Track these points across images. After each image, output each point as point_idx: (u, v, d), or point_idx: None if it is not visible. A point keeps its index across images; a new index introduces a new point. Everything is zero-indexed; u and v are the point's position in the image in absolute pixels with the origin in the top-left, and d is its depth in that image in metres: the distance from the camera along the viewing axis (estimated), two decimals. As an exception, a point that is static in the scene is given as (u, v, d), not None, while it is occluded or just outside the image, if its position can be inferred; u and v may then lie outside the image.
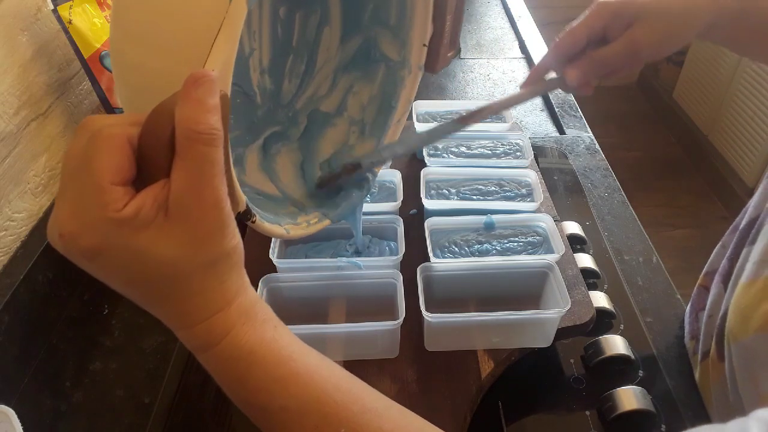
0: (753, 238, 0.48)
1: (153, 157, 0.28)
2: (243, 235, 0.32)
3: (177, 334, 0.32)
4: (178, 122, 0.27)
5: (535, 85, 0.53)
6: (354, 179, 0.52)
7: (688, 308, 0.63)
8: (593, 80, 0.51)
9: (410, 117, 0.79)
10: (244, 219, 0.38)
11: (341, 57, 0.57)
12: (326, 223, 0.50)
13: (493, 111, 0.50)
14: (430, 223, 0.62)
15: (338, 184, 0.52)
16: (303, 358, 0.33)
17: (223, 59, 0.30)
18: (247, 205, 0.38)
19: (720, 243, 0.59)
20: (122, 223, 0.27)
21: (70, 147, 0.28)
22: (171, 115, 0.27)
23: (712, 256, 0.59)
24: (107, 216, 0.26)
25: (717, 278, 0.55)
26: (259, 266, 0.56)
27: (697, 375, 0.58)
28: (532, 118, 0.99)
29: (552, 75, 0.53)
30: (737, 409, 0.48)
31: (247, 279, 0.33)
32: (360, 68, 0.58)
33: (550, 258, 0.58)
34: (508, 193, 0.67)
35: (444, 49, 0.53)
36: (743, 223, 0.53)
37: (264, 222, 0.41)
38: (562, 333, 0.55)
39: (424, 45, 0.54)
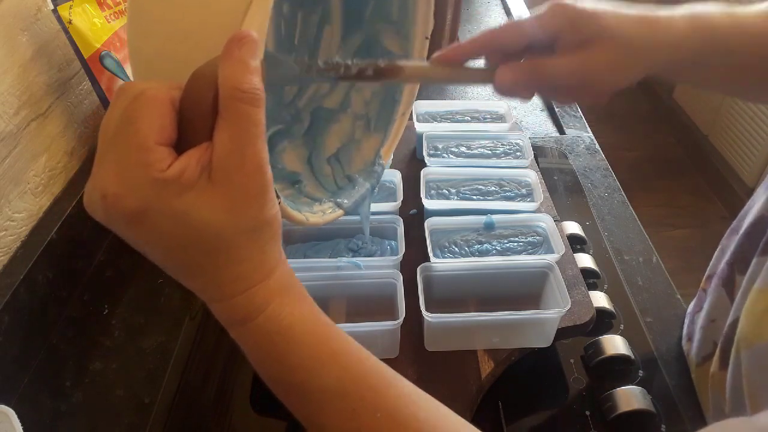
0: (765, 248, 0.47)
1: (195, 120, 0.28)
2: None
3: (213, 307, 0.31)
4: (222, 81, 0.27)
5: (457, 69, 0.43)
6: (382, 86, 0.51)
7: (688, 309, 0.63)
8: (527, 91, 0.43)
9: (410, 117, 0.79)
10: None
11: (343, 54, 0.57)
12: (340, 213, 0.51)
13: (406, 75, 0.40)
14: (430, 223, 0.62)
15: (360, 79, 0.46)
16: (340, 339, 0.32)
17: (257, 25, 0.30)
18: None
19: (719, 246, 0.58)
20: (167, 183, 0.26)
21: (109, 111, 0.28)
22: (212, 78, 0.27)
23: (713, 259, 0.59)
24: (152, 176, 0.26)
25: (716, 282, 0.55)
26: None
27: (693, 378, 0.58)
28: (532, 118, 0.99)
29: (476, 63, 0.44)
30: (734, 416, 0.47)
31: (283, 254, 0.32)
32: None
33: (550, 258, 0.58)
34: (508, 193, 0.67)
35: (445, 42, 0.53)
36: (745, 226, 0.52)
37: (287, 206, 0.42)
38: (562, 333, 0.55)
39: (427, 38, 0.54)
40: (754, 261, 0.48)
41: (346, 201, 0.51)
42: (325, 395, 0.31)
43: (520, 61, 0.42)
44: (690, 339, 0.59)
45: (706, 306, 0.56)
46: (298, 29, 0.54)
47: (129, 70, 0.74)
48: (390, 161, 0.58)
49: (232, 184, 0.27)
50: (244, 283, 0.30)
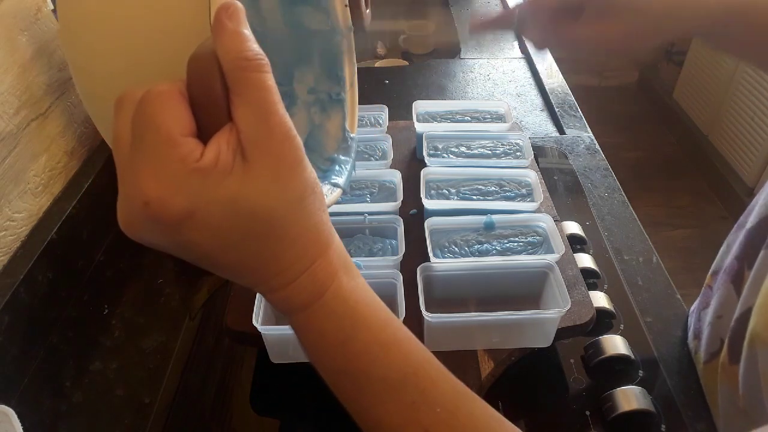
0: None
1: (208, 105, 0.27)
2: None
3: (276, 297, 0.29)
4: (225, 56, 0.26)
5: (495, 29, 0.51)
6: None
7: (693, 307, 0.63)
8: (550, 46, 0.50)
9: (410, 117, 0.79)
10: None
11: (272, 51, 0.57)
12: (339, 191, 0.51)
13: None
14: (430, 223, 0.62)
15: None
16: (398, 323, 0.31)
17: None
18: None
19: (725, 242, 0.58)
20: (206, 173, 0.25)
21: (117, 126, 0.27)
22: (212, 58, 0.26)
23: (718, 255, 0.59)
24: (189, 169, 0.25)
25: (723, 277, 0.55)
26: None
27: (700, 375, 0.57)
28: (532, 118, 0.99)
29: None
30: (748, 413, 0.47)
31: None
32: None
33: (550, 258, 0.58)
34: (508, 193, 0.67)
35: (362, 4, 0.53)
36: (752, 223, 0.52)
37: None
38: (562, 333, 0.55)
39: (346, 5, 0.54)
40: (761, 254, 0.48)
41: (340, 180, 0.52)
42: (386, 385, 0.29)
43: (549, 24, 0.47)
44: (697, 337, 0.59)
45: (713, 303, 0.56)
46: None
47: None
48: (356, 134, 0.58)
49: (269, 156, 0.26)
50: (304, 262, 0.28)
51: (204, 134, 0.27)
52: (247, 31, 0.27)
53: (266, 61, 0.26)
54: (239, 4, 0.27)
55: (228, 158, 0.26)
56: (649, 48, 0.46)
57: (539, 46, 0.50)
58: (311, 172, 0.28)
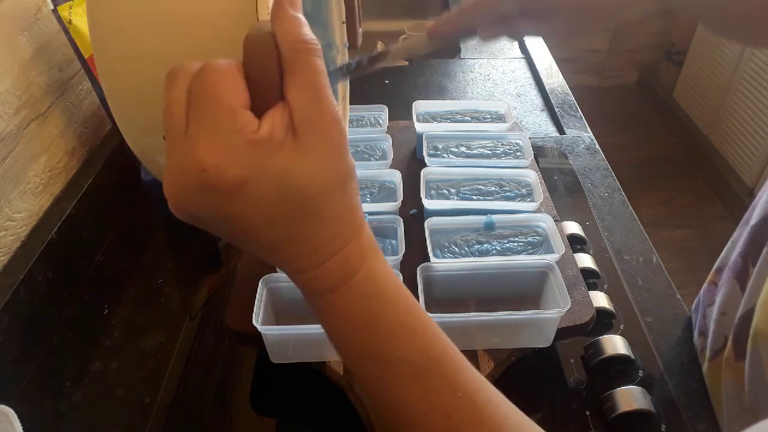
0: None
1: (262, 84, 0.28)
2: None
3: (306, 276, 0.30)
4: (283, 38, 0.27)
5: (435, 38, 0.47)
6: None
7: (695, 304, 0.63)
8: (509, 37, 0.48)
9: (410, 117, 0.79)
10: None
11: None
12: None
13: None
14: (430, 223, 0.62)
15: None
16: (422, 311, 0.31)
17: None
18: None
19: (730, 239, 0.58)
20: (262, 145, 0.26)
21: (169, 96, 0.27)
22: (267, 40, 0.27)
23: (723, 251, 0.59)
24: (247, 139, 0.26)
25: (728, 274, 0.54)
26: (259, 266, 0.56)
27: (705, 373, 0.57)
28: (532, 118, 0.99)
29: None
30: (753, 410, 0.47)
31: None
32: None
33: (550, 258, 0.58)
34: (508, 193, 0.67)
35: (357, 23, 0.55)
36: (755, 219, 0.52)
37: None
38: (562, 333, 0.55)
39: (343, 22, 0.55)
40: (765, 251, 0.48)
41: None
42: (410, 369, 0.30)
43: (496, 22, 0.45)
44: (703, 334, 0.59)
45: (717, 299, 0.56)
46: None
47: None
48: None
49: (318, 137, 0.27)
50: (339, 242, 0.29)
51: (257, 111, 0.27)
52: (303, 18, 0.28)
53: (319, 46, 0.28)
54: None
55: (281, 133, 0.27)
56: (621, 17, 0.46)
57: (492, 41, 0.47)
58: (352, 158, 0.29)
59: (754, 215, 0.52)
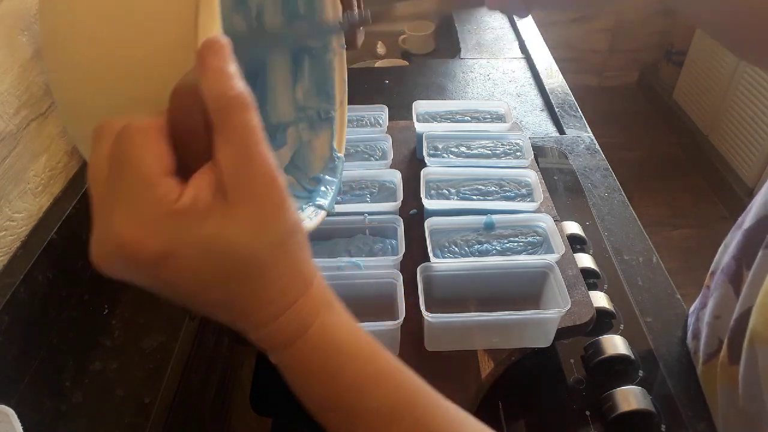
0: None
1: (188, 142, 0.26)
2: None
3: (258, 335, 0.29)
4: (208, 94, 0.25)
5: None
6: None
7: (692, 307, 0.63)
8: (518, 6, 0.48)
9: (410, 117, 0.79)
10: None
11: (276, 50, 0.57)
12: (324, 214, 0.51)
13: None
14: (430, 223, 0.62)
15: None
16: (386, 354, 0.31)
17: (215, 28, 0.28)
18: None
19: (723, 242, 0.58)
20: (184, 215, 0.25)
21: (94, 156, 0.26)
22: (194, 93, 0.25)
23: (717, 256, 0.59)
24: (166, 210, 0.24)
25: (721, 277, 0.55)
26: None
27: (699, 375, 0.57)
28: (532, 118, 0.99)
29: None
30: (747, 413, 0.47)
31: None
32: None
33: (550, 258, 0.58)
34: (508, 193, 0.67)
35: (357, 23, 0.54)
36: (749, 222, 0.52)
37: None
38: (562, 333, 0.55)
39: (340, 22, 0.54)
40: (759, 254, 0.48)
41: (325, 202, 0.51)
42: (378, 417, 0.29)
43: None
44: (696, 337, 0.59)
45: (710, 303, 0.56)
46: None
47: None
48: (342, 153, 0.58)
49: (251, 198, 0.26)
50: (285, 300, 0.28)
51: (185, 167, 0.26)
52: (233, 68, 0.26)
53: (250, 99, 0.26)
54: (225, 40, 0.26)
55: (207, 199, 0.25)
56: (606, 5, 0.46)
57: (503, 10, 0.48)
58: (293, 212, 0.28)
59: (747, 219, 0.52)
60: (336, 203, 0.54)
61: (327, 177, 0.54)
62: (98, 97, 0.32)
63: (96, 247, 0.26)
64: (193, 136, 0.26)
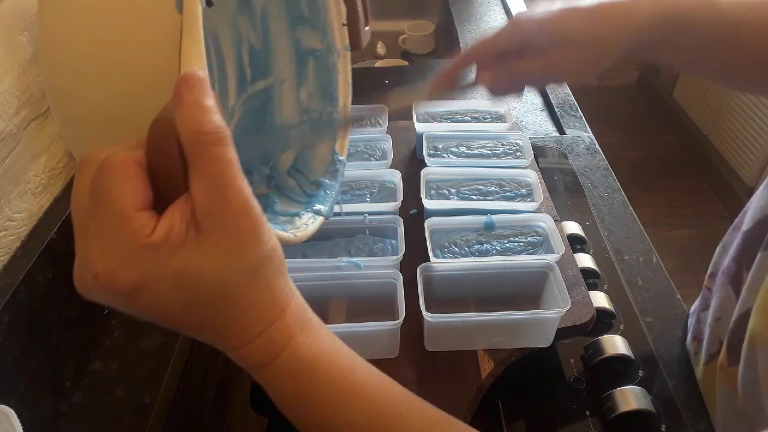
0: None
1: (166, 175, 0.27)
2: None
3: (234, 356, 0.30)
4: (182, 129, 0.26)
5: (439, 89, 0.52)
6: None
7: (692, 308, 0.63)
8: (509, 90, 0.50)
9: (410, 117, 0.79)
10: None
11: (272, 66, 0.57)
12: (322, 220, 0.51)
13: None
14: (430, 223, 0.62)
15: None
16: (363, 368, 0.32)
17: (196, 61, 0.29)
18: None
19: (720, 243, 0.58)
20: (156, 247, 0.25)
21: (77, 185, 0.27)
22: (171, 126, 0.26)
23: (715, 256, 0.59)
24: (140, 244, 0.25)
25: (722, 279, 0.55)
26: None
27: (699, 377, 0.57)
28: (532, 118, 0.99)
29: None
30: (746, 414, 0.47)
31: (292, 283, 0.31)
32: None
33: (550, 258, 0.58)
34: (508, 193, 0.67)
35: (361, 23, 0.54)
36: (748, 225, 0.52)
37: (273, 229, 0.42)
38: (562, 333, 0.55)
39: (343, 24, 0.54)
40: (759, 256, 0.48)
41: (323, 207, 0.51)
42: (354, 431, 0.30)
43: (497, 66, 0.48)
44: (696, 339, 0.59)
45: (712, 304, 0.56)
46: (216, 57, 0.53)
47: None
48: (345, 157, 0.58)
49: (223, 229, 0.26)
50: (259, 326, 0.29)
51: (162, 201, 0.27)
52: (209, 102, 0.26)
53: (226, 133, 0.26)
54: (202, 74, 0.27)
55: (181, 231, 0.26)
56: (599, 71, 0.46)
57: (493, 89, 0.50)
58: (269, 239, 0.28)
59: (746, 220, 0.52)
60: (336, 203, 0.54)
61: (327, 181, 0.54)
62: (89, 115, 0.33)
63: (77, 275, 0.27)
64: (170, 167, 0.27)
